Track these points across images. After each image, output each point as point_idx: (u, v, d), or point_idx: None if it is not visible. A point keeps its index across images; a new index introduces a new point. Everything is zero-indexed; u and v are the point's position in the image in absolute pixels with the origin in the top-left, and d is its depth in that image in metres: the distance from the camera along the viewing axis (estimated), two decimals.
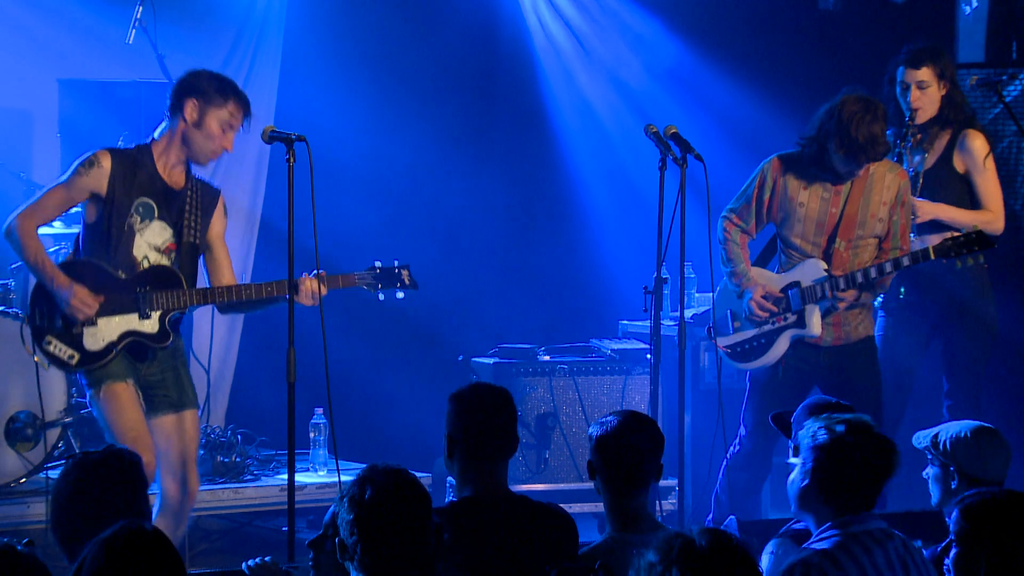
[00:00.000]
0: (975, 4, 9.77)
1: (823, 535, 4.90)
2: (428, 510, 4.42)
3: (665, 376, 7.72)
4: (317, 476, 8.65)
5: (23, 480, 8.37)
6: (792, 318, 7.75)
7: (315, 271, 6.93)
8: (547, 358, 9.06)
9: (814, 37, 10.15)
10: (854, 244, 7.74)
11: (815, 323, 7.71)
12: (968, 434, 5.48)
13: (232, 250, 7.41)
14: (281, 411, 6.72)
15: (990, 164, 8.12)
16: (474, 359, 9.15)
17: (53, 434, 8.43)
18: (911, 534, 5.11)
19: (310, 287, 6.92)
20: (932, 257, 7.61)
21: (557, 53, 10.67)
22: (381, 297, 7.22)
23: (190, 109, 6.84)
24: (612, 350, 9.07)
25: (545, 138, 10.66)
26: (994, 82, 8.16)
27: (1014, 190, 8.54)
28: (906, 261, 7.62)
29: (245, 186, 9.91)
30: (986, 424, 5.58)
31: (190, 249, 7.00)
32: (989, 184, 8.12)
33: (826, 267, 7.69)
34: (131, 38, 8.98)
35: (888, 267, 7.64)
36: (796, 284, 7.73)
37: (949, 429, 5.55)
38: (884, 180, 7.72)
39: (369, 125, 10.00)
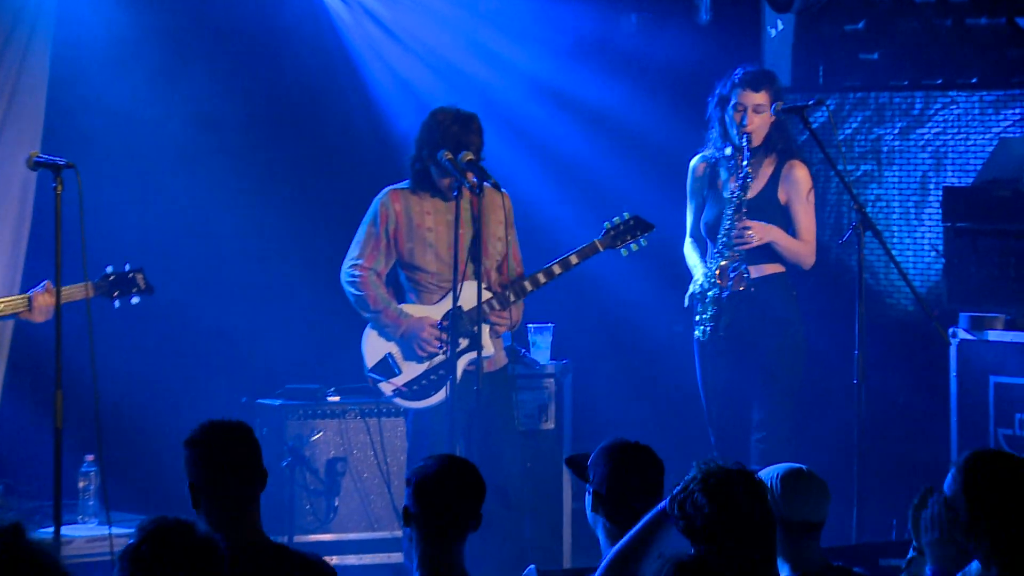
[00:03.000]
0: (781, 27, 9.89)
1: None
2: (212, 562, 4.14)
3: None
4: (86, 529, 8.34)
5: None
6: (464, 343, 7.69)
7: (43, 283, 7.02)
8: (337, 399, 8.92)
9: (622, 57, 10.24)
10: (492, 263, 7.77)
11: (490, 343, 7.74)
12: (776, 480, 5.17)
13: None
14: (48, 458, 6.64)
15: (811, 197, 8.26)
16: (259, 400, 8.99)
17: None
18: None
19: (43, 302, 7.02)
20: (600, 249, 7.82)
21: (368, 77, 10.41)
22: (117, 304, 7.30)
23: None
24: None
25: (333, 179, 10.41)
26: (800, 108, 7.98)
27: (821, 220, 8.54)
28: (574, 259, 7.84)
29: (8, 218, 9.24)
30: (796, 465, 5.28)
31: None
32: (808, 217, 8.25)
33: (486, 286, 7.67)
34: None
35: (557, 268, 7.76)
36: (459, 309, 7.64)
37: (759, 476, 5.26)
38: (496, 200, 7.80)
39: (147, 157, 9.62)
